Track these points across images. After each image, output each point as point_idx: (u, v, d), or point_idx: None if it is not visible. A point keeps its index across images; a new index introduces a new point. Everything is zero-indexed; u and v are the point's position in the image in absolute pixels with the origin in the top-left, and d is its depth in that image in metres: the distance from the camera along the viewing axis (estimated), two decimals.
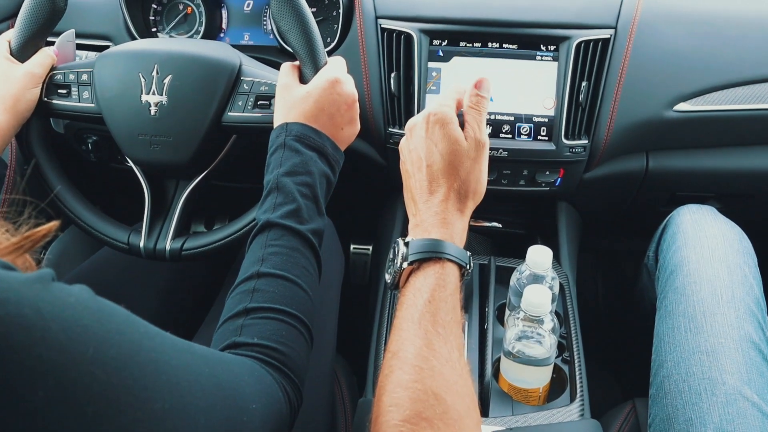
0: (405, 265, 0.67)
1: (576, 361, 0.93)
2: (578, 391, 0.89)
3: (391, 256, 0.70)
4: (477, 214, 1.25)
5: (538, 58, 1.08)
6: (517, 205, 1.33)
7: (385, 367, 0.60)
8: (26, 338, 0.34)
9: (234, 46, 1.00)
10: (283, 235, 0.70)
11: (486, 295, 1.05)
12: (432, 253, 0.66)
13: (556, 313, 0.96)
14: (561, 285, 1.06)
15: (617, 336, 1.53)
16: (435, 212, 0.69)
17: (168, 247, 0.95)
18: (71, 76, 0.95)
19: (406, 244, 0.68)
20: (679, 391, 0.83)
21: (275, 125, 0.81)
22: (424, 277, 0.65)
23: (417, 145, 0.73)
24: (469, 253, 0.69)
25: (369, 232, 1.52)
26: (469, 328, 0.98)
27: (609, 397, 1.34)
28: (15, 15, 1.25)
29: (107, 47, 1.16)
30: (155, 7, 1.22)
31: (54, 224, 0.47)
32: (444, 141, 0.71)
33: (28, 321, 0.34)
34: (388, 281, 0.71)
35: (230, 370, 0.53)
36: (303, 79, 0.84)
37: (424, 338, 0.60)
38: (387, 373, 0.59)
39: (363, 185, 1.24)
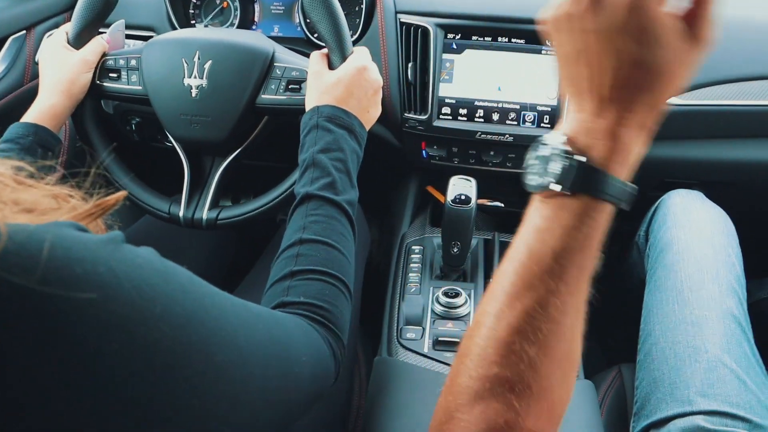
0: (555, 187, 0.44)
1: None
2: None
3: (546, 153, 0.45)
4: (482, 194, 1.24)
5: (544, 52, 1.05)
6: (519, 186, 1.29)
7: (473, 324, 0.46)
8: (101, 295, 0.32)
9: None
10: (322, 206, 0.69)
11: (491, 266, 1.04)
12: (590, 189, 0.43)
13: None
14: None
15: (604, 308, 1.51)
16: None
17: (205, 216, 0.94)
18: (121, 62, 0.93)
19: (570, 157, 0.43)
20: (665, 357, 0.82)
21: (307, 108, 0.78)
22: (568, 215, 0.43)
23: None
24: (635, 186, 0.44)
25: (375, 210, 1.47)
26: (475, 296, 0.97)
27: (596, 363, 1.34)
28: (71, 8, 1.24)
29: (151, 37, 1.15)
30: (195, 1, 1.20)
31: (122, 194, 0.45)
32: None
33: (102, 279, 0.33)
34: (534, 185, 0.47)
35: (282, 325, 0.52)
36: (331, 66, 0.82)
37: (537, 300, 0.43)
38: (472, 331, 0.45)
39: (377, 166, 1.22)
